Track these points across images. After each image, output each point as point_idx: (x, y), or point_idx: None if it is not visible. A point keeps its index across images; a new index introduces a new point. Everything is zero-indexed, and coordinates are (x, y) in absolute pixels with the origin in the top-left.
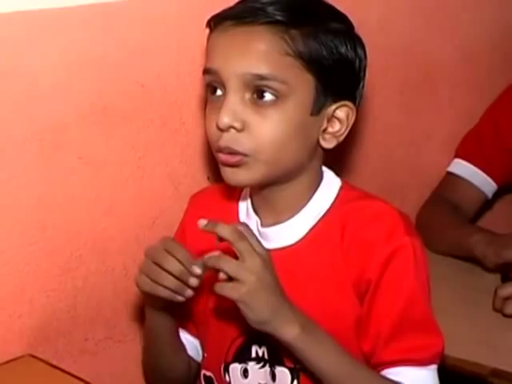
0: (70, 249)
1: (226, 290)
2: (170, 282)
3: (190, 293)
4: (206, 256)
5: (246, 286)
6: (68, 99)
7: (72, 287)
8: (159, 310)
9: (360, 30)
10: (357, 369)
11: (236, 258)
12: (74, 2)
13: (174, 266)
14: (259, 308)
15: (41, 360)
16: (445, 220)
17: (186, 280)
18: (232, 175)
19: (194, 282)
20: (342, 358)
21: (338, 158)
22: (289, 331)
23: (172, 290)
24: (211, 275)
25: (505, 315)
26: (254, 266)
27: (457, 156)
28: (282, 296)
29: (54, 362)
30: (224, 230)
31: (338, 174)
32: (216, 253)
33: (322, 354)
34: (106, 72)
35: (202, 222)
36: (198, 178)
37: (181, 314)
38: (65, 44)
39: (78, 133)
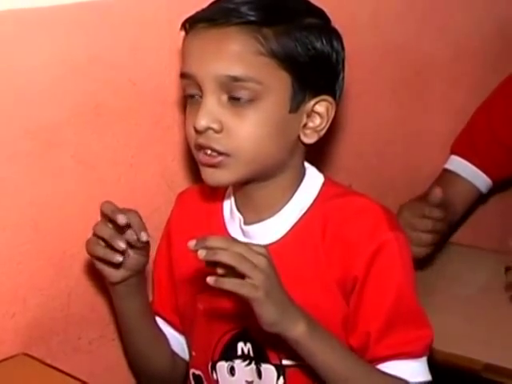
0: (63, 248)
1: (245, 288)
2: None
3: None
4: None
5: (261, 286)
6: (60, 98)
7: (65, 286)
8: (120, 292)
9: (352, 27)
10: (358, 363)
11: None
12: (65, 1)
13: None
14: (272, 308)
15: (35, 359)
16: None
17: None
18: (211, 175)
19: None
20: (345, 352)
21: (330, 156)
22: (296, 329)
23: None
24: (200, 275)
25: None
26: (261, 265)
27: (451, 152)
28: (286, 294)
29: (48, 361)
30: (215, 242)
31: (330, 171)
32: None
33: (326, 349)
34: (98, 70)
35: (191, 243)
36: (190, 176)
37: (162, 305)
38: (57, 42)
39: (71, 131)
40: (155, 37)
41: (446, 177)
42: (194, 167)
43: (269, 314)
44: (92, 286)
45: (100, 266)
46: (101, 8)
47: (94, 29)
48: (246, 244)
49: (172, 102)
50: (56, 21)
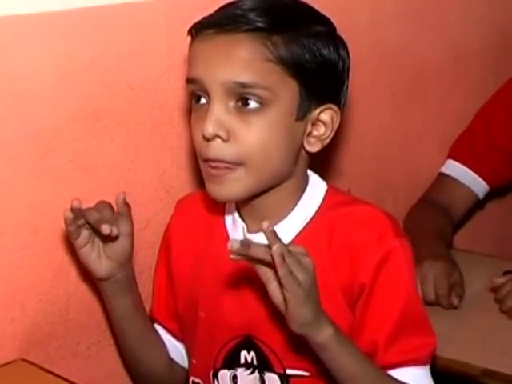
0: (62, 253)
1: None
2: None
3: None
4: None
5: (303, 289)
6: (59, 103)
7: (64, 291)
8: (110, 289)
9: (351, 31)
10: (375, 370)
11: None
12: (64, 6)
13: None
14: (308, 310)
15: (33, 364)
16: (429, 224)
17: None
18: (221, 188)
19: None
20: (362, 357)
21: (330, 160)
22: (325, 332)
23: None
24: (200, 282)
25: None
26: (307, 265)
27: (449, 156)
28: (319, 298)
29: (46, 366)
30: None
31: (330, 176)
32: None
33: (348, 354)
34: (96, 75)
35: (235, 245)
36: (189, 181)
37: (161, 312)
38: (55, 48)
39: (69, 136)
40: (154, 42)
41: (444, 181)
42: (192, 172)
43: (304, 314)
44: (90, 291)
45: (84, 257)
46: (99, 13)
47: (93, 34)
48: (295, 257)
49: (171, 107)
50: (55, 26)
